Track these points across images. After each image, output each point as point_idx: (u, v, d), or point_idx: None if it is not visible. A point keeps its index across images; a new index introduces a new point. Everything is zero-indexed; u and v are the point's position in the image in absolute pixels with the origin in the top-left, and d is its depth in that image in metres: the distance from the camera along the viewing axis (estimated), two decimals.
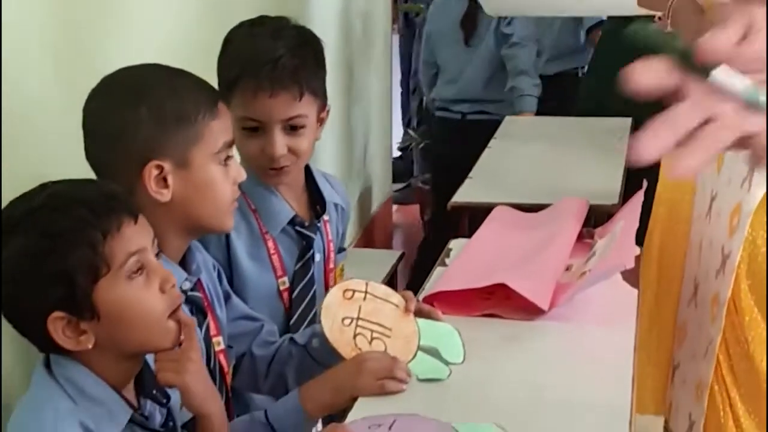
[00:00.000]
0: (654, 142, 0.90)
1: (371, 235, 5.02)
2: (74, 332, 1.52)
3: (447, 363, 1.86)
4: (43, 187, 1.55)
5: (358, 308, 1.90)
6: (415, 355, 1.87)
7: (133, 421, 1.59)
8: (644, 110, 1.05)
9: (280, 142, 2.13)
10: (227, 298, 2.02)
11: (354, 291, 1.93)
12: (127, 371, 1.60)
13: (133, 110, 1.71)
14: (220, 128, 1.79)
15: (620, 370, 1.84)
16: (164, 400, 1.67)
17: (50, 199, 1.52)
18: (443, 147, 4.84)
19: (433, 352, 1.88)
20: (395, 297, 1.96)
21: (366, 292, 1.94)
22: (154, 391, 1.65)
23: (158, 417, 1.66)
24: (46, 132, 1.97)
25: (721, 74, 0.88)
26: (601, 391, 1.76)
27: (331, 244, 2.33)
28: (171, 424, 1.68)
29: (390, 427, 1.61)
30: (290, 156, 2.16)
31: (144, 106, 1.72)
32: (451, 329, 1.95)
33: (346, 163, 4.55)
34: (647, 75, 0.92)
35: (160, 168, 1.73)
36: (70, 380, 1.53)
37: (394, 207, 5.74)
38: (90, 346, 1.52)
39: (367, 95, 4.89)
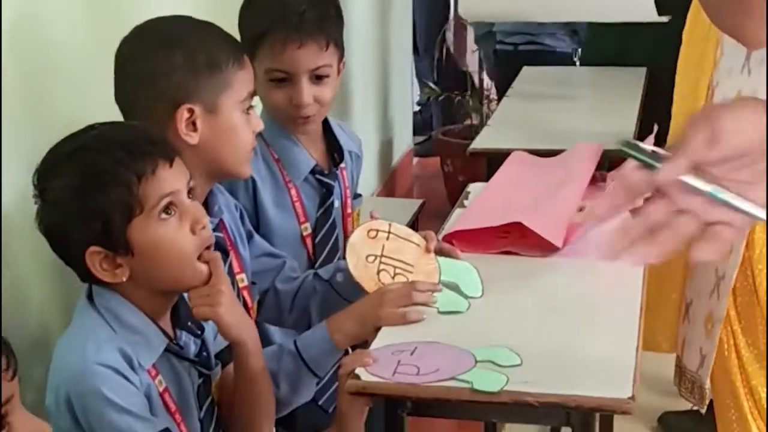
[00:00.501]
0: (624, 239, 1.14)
1: (393, 186, 5.12)
2: (110, 266, 1.63)
3: (466, 297, 1.97)
4: (91, 127, 1.68)
5: (382, 246, 2.02)
6: None
7: (169, 351, 1.71)
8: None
9: (308, 92, 2.24)
10: (250, 237, 2.14)
11: (378, 231, 2.04)
12: (162, 304, 1.72)
13: (167, 55, 1.85)
14: (245, 78, 1.92)
15: (629, 303, 1.94)
16: (198, 332, 1.79)
17: (93, 140, 1.64)
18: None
19: (453, 287, 1.99)
20: (416, 237, 2.07)
21: (389, 232, 2.05)
22: (189, 323, 1.77)
23: (193, 347, 1.78)
24: (75, 77, 2.09)
25: (690, 179, 1.09)
26: (610, 322, 1.87)
27: (348, 191, 2.45)
28: (205, 354, 1.80)
29: (412, 353, 1.73)
30: (315, 105, 2.27)
31: (178, 51, 1.85)
32: (470, 266, 2.06)
33: (368, 116, 4.65)
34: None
35: (191, 111, 1.85)
36: (110, 310, 1.65)
37: (415, 160, 5.84)
38: (125, 279, 1.64)
39: (387, 49, 4.98)
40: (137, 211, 1.62)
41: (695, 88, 2.79)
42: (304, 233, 2.36)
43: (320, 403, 2.30)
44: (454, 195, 3.91)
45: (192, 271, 1.68)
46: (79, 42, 2.12)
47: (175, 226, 1.66)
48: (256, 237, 2.17)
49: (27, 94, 1.96)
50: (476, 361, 1.70)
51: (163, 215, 1.65)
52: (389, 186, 5.04)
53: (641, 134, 2.97)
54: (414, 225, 4.14)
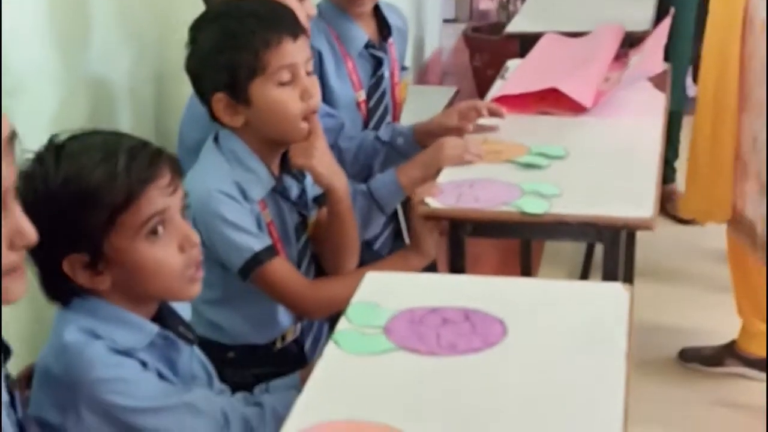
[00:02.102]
0: None
1: (425, 78, 5.47)
2: (232, 111, 1.99)
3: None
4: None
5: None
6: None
7: (276, 191, 2.08)
8: None
9: None
10: None
11: None
12: (273, 152, 2.07)
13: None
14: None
15: (649, 154, 2.30)
16: (301, 177, 2.14)
17: (232, 8, 2.00)
18: None
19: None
20: None
21: None
22: (294, 171, 2.12)
23: (295, 191, 2.14)
24: None
25: None
26: (634, 163, 2.24)
27: (396, 63, 2.79)
28: (304, 197, 2.17)
29: (471, 186, 2.11)
30: None
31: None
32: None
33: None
34: None
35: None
36: (232, 151, 2.02)
37: (444, 55, 6.17)
38: (239, 125, 1.99)
39: None
40: (258, 73, 1.96)
41: None
42: (359, 99, 2.70)
43: (375, 248, 2.67)
44: (483, 88, 4.25)
45: (296, 129, 2.03)
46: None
47: (289, 92, 1.99)
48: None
49: None
50: (524, 192, 2.07)
51: (283, 81, 1.98)
52: (421, 76, 5.39)
53: (659, 18, 3.28)
54: None
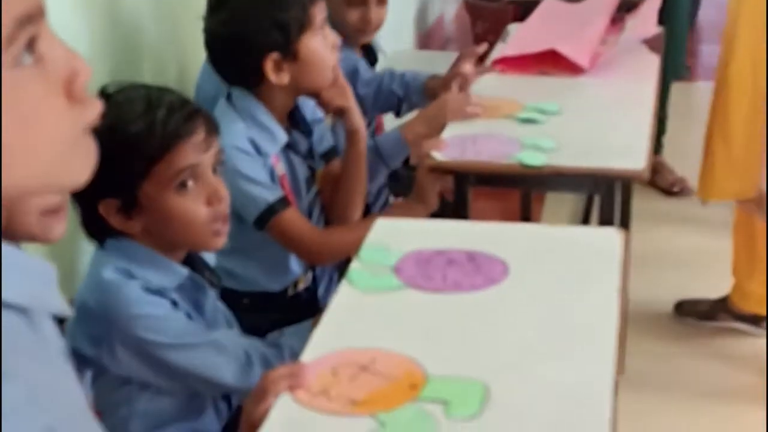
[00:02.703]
0: None
1: (427, 44, 5.57)
2: (279, 69, 2.07)
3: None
4: None
5: None
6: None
7: (288, 146, 2.18)
8: None
9: None
10: None
11: None
12: (285, 107, 2.18)
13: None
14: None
15: (642, 110, 2.42)
16: (308, 133, 2.25)
17: None
18: None
19: None
20: None
21: None
22: (302, 126, 2.23)
23: (304, 145, 2.26)
24: None
25: None
26: (627, 119, 2.35)
27: None
28: (312, 152, 2.28)
29: (474, 142, 2.22)
30: None
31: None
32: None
33: None
34: None
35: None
36: (246, 110, 2.13)
37: (446, 21, 6.27)
38: (286, 82, 2.08)
39: None
40: (307, 27, 2.07)
41: None
42: None
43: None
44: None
45: (330, 76, 2.15)
46: None
47: (323, 42, 2.11)
48: None
49: None
50: (523, 146, 2.19)
51: (324, 34, 2.10)
52: (423, 42, 5.49)
53: None
54: None
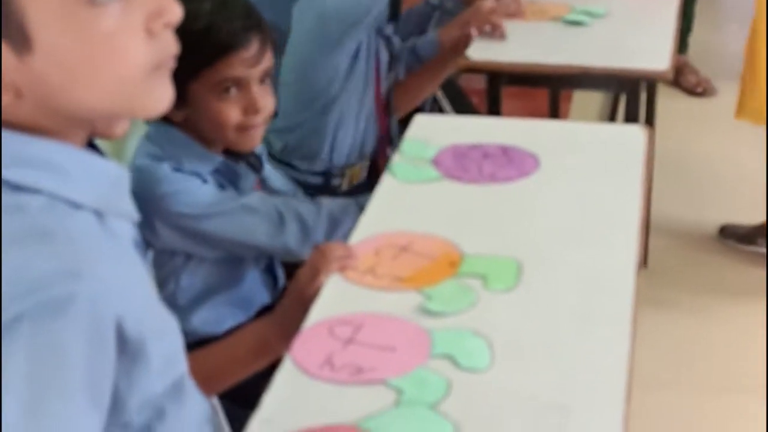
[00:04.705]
0: None
1: None
2: None
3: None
4: None
5: None
6: None
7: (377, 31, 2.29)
8: None
9: None
10: None
11: None
12: None
13: None
14: None
15: (668, 14, 2.50)
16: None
17: None
18: None
19: None
20: None
21: None
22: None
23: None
24: None
25: None
26: (653, 22, 2.44)
27: None
28: (390, 39, 2.43)
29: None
30: None
31: None
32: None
33: None
34: None
35: None
36: None
37: None
38: None
39: None
40: None
41: None
42: None
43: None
44: None
45: None
46: None
47: None
48: None
49: None
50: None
51: None
52: None
53: None
54: None
